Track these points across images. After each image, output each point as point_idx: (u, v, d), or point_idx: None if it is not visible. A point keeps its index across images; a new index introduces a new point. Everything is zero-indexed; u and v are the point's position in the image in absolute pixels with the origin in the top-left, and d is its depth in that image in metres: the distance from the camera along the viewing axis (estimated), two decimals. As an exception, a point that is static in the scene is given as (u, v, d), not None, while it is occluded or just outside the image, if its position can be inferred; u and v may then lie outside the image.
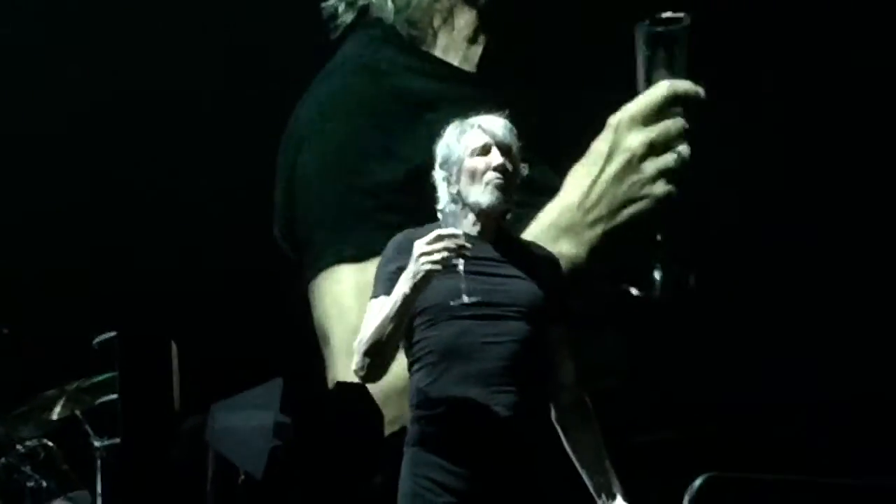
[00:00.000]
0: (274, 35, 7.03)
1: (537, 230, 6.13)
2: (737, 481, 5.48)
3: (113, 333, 6.37)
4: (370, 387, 5.96)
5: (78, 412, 6.38)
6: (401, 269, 3.67)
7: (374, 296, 3.79)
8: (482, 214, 3.82)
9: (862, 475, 5.43)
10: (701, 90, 5.14)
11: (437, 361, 3.72)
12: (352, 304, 6.44)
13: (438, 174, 3.87)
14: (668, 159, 5.59)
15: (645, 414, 6.43)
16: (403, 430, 3.85)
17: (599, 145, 5.97)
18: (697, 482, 5.34)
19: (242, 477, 5.74)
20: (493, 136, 3.82)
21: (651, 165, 5.74)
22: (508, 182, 3.81)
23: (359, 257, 6.53)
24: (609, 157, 5.90)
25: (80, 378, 6.47)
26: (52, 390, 6.46)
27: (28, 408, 6.45)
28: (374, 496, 5.38)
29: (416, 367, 3.78)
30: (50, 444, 6.26)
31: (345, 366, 6.36)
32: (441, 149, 3.88)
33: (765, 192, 6.33)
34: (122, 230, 7.18)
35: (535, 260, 3.89)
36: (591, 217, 6.04)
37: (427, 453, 3.72)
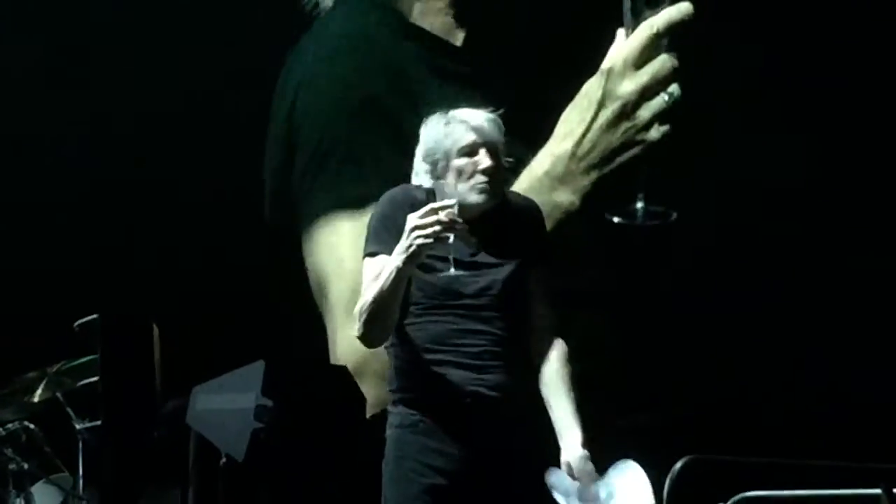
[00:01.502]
0: (264, 27, 7.01)
1: (531, 180, 6.07)
2: (718, 464, 5.48)
3: (94, 316, 6.37)
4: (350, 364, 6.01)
5: (59, 394, 6.39)
6: (393, 224, 3.66)
7: (367, 251, 3.76)
8: (466, 210, 3.72)
9: (843, 458, 5.44)
10: (683, 8, 5.04)
11: (419, 345, 3.72)
12: (349, 255, 6.35)
13: (420, 166, 3.83)
14: (660, 102, 5.55)
15: (627, 397, 6.44)
16: (385, 412, 3.84)
17: (592, 92, 5.92)
18: (678, 465, 5.34)
19: (224, 459, 5.73)
20: (481, 135, 3.78)
21: (645, 112, 5.68)
22: (496, 182, 3.79)
23: (357, 203, 6.44)
24: (602, 105, 5.85)
25: (62, 360, 6.46)
26: (33, 373, 6.46)
27: (9, 390, 6.45)
28: (357, 479, 5.38)
29: (397, 350, 3.78)
30: (31, 426, 6.27)
31: (343, 318, 6.35)
32: (426, 140, 3.83)
33: (777, 180, 6.33)
34: (105, 214, 7.17)
35: (516, 235, 3.84)
36: (584, 164, 6.01)
37: (411, 435, 3.72)
